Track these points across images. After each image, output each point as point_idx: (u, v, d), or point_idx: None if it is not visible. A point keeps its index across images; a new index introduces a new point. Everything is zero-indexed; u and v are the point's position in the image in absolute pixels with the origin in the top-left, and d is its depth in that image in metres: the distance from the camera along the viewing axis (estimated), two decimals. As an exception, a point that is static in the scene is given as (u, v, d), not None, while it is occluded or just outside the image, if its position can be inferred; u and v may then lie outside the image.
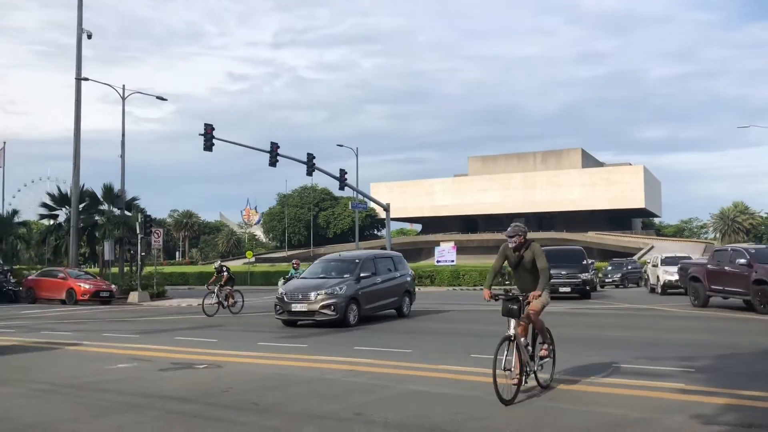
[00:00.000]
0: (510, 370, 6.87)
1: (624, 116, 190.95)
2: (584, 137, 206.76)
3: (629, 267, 42.03)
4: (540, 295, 7.26)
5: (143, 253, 31.37)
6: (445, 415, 6.45)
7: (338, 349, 11.65)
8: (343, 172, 38.56)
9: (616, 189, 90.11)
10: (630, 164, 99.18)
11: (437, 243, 56.01)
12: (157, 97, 36.51)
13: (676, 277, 24.31)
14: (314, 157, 36.34)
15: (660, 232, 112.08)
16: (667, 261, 28.57)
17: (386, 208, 42.56)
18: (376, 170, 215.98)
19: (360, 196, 45.14)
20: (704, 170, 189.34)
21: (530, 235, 7.72)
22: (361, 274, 16.91)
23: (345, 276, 16.75)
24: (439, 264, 44.88)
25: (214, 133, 32.00)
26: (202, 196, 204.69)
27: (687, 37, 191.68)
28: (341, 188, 39.85)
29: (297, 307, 15.90)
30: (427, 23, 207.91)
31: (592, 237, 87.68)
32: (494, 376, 6.63)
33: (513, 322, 7.10)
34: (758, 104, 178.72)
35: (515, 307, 7.11)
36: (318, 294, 15.80)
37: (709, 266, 19.34)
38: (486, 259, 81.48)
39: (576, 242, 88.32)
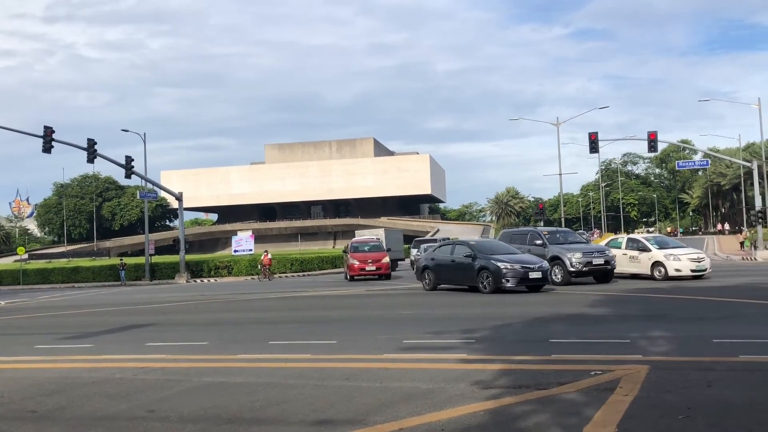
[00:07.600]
0: None
1: (412, 107, 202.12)
2: (376, 126, 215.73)
3: None
4: None
5: None
6: (243, 404, 6.40)
7: (127, 346, 11.00)
8: (129, 159, 36.26)
9: (406, 176, 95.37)
10: (417, 153, 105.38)
11: (234, 232, 55.08)
12: None
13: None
14: (96, 143, 33.72)
15: (445, 216, 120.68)
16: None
17: (179, 197, 40.80)
18: (167, 157, 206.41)
19: (149, 185, 42.76)
20: (482, 159, 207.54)
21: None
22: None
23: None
24: (237, 254, 44.22)
25: (-26, 115, 28.32)
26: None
27: (468, 33, 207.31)
28: (128, 176, 37.43)
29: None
30: (218, 5, 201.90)
31: (385, 222, 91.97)
32: None
33: None
34: (527, 99, 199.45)
35: None
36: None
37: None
38: (285, 247, 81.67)
39: (371, 227, 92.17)
